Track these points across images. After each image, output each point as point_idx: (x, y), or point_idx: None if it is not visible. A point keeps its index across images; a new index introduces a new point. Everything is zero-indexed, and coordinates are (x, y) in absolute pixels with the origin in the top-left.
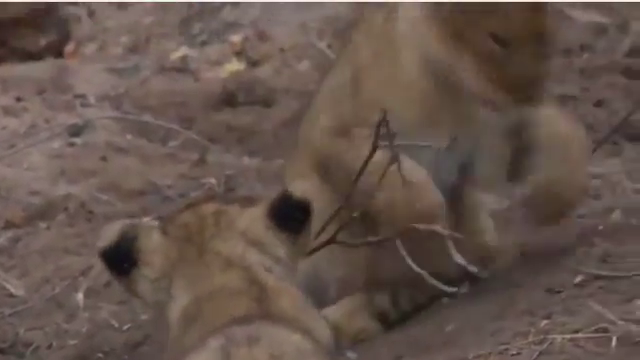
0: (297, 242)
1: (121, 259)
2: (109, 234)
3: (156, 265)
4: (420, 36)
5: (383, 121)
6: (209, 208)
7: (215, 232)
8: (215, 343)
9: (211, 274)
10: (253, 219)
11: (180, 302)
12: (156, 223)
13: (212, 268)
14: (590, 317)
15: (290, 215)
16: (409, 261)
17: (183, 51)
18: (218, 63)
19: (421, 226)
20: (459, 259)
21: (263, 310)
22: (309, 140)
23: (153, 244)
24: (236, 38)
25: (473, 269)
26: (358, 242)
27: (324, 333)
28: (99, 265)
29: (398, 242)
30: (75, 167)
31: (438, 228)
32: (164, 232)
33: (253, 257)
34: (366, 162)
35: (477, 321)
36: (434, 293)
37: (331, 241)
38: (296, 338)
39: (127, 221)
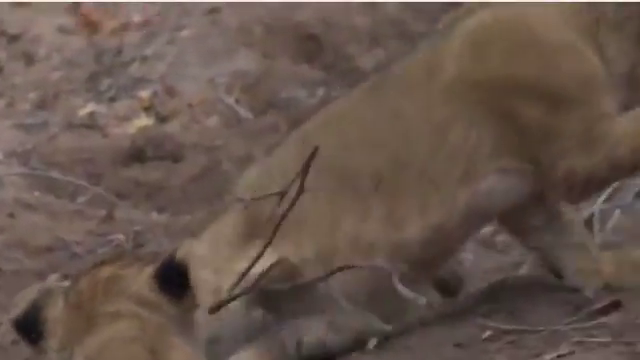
0: (181, 303)
1: (29, 330)
2: (21, 302)
3: (58, 336)
4: None
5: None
6: (104, 272)
7: (104, 299)
8: None
9: (100, 331)
10: (144, 280)
11: None
12: (65, 286)
13: (101, 327)
14: None
15: (171, 278)
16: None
17: (91, 107)
18: (126, 119)
19: (360, 263)
20: (403, 290)
21: None
22: None
23: (57, 314)
24: (144, 94)
25: (421, 300)
26: (284, 286)
27: None
28: (6, 322)
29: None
30: None
31: (380, 262)
32: (66, 299)
33: (143, 314)
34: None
35: None
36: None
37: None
38: None
39: (40, 287)
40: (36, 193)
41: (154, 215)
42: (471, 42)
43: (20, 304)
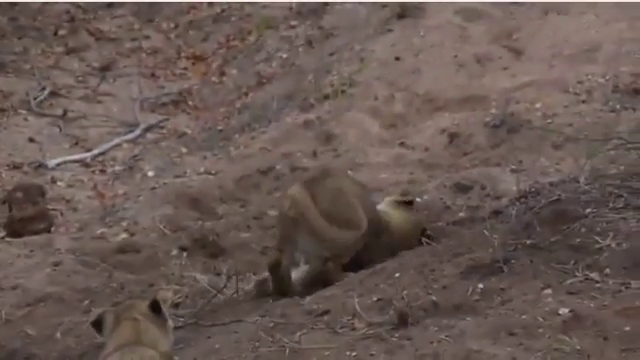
0: (163, 324)
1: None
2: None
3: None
4: None
5: None
6: (128, 302)
7: (128, 314)
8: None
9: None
10: (145, 306)
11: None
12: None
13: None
14: None
15: (154, 306)
16: None
17: None
18: None
19: None
20: (199, 277)
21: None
22: None
23: (109, 320)
24: None
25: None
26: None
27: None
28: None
29: None
30: None
31: None
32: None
33: (143, 319)
34: None
35: None
36: None
37: None
38: (152, 352)
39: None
40: None
41: None
42: None
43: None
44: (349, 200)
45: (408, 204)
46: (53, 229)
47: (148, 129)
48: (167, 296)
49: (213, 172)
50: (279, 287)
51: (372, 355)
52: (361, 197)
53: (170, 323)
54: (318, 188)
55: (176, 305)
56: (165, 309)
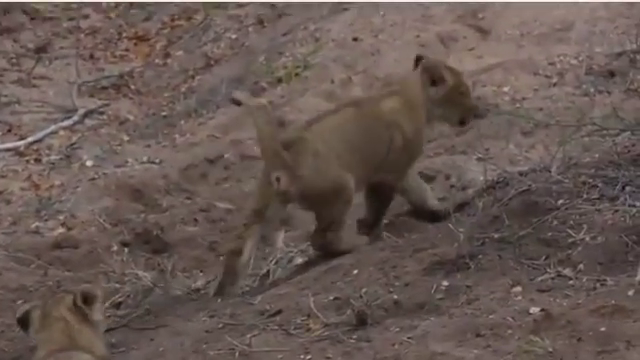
0: (92, 319)
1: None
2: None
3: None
4: None
5: None
6: (56, 298)
7: (54, 309)
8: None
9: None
10: (70, 301)
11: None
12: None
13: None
14: None
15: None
16: None
17: None
18: None
19: None
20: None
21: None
22: None
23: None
24: None
25: None
26: None
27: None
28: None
29: None
30: None
31: None
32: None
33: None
34: None
35: None
36: None
37: None
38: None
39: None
40: None
41: None
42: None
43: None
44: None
45: None
46: None
47: (86, 115)
48: (93, 291)
49: (157, 161)
50: (226, 281)
51: (328, 358)
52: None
53: (99, 320)
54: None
55: (117, 305)
56: (96, 306)
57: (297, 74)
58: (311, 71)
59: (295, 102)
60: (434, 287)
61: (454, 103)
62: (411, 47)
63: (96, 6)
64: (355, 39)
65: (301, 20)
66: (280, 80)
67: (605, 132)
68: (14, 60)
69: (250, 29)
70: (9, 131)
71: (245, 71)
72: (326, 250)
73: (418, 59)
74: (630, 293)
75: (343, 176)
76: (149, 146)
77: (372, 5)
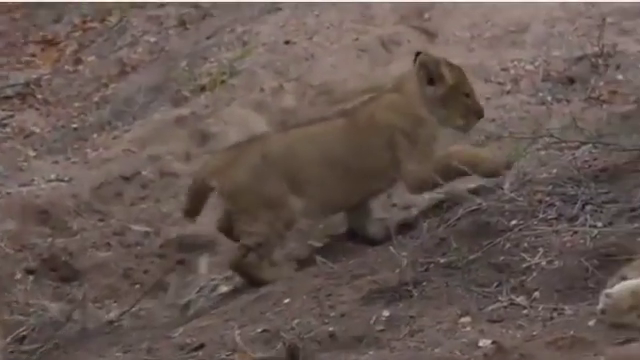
0: None
1: None
2: None
3: None
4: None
5: None
6: None
7: None
8: None
9: None
10: None
11: None
12: None
13: None
14: None
15: None
16: None
17: None
18: None
19: None
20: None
21: None
22: None
23: None
24: None
25: None
26: None
27: None
28: None
29: None
30: None
31: None
32: None
33: None
34: None
35: None
36: None
37: None
38: None
39: None
40: None
41: None
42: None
43: None
44: None
45: None
46: None
47: None
48: None
49: (66, 179)
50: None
51: None
52: None
53: None
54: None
55: (21, 339)
56: None
57: (223, 82)
58: (238, 78)
59: (220, 113)
60: (373, 318)
61: (455, 104)
62: (349, 51)
63: None
64: (287, 42)
65: (228, 21)
66: (204, 88)
67: (564, 145)
68: None
69: (171, 32)
70: None
71: (165, 79)
72: (243, 272)
73: (417, 55)
74: (590, 323)
75: (286, 195)
76: (57, 162)
77: (306, 4)
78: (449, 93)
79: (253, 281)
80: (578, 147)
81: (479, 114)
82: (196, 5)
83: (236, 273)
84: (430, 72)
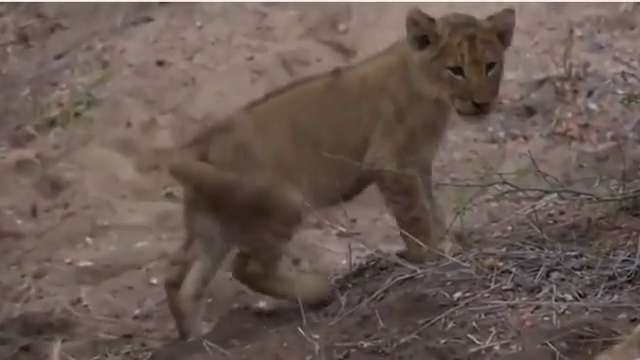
0: None
1: None
2: None
3: None
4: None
5: None
6: None
7: None
8: None
9: None
10: None
11: None
12: None
13: None
14: None
15: None
16: None
17: None
18: None
19: None
20: None
21: None
22: None
23: None
24: None
25: None
26: None
27: None
28: None
29: None
30: None
31: None
32: None
33: None
34: None
35: None
36: None
37: None
38: None
39: None
40: None
41: None
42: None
43: None
44: None
45: None
46: None
47: None
48: None
49: None
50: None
51: None
52: None
53: None
54: None
55: None
56: None
57: (78, 114)
58: (98, 110)
59: (75, 155)
60: None
61: (451, 77)
62: (241, 75)
63: None
64: (160, 63)
65: (83, 35)
66: (53, 123)
67: (521, 194)
68: None
69: (9, 50)
70: None
71: (3, 111)
72: (249, 282)
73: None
74: None
75: (279, 187)
76: None
77: (185, 12)
78: (444, 59)
79: (263, 291)
80: (540, 197)
81: (487, 97)
82: (40, 15)
83: (243, 283)
84: (419, 30)
